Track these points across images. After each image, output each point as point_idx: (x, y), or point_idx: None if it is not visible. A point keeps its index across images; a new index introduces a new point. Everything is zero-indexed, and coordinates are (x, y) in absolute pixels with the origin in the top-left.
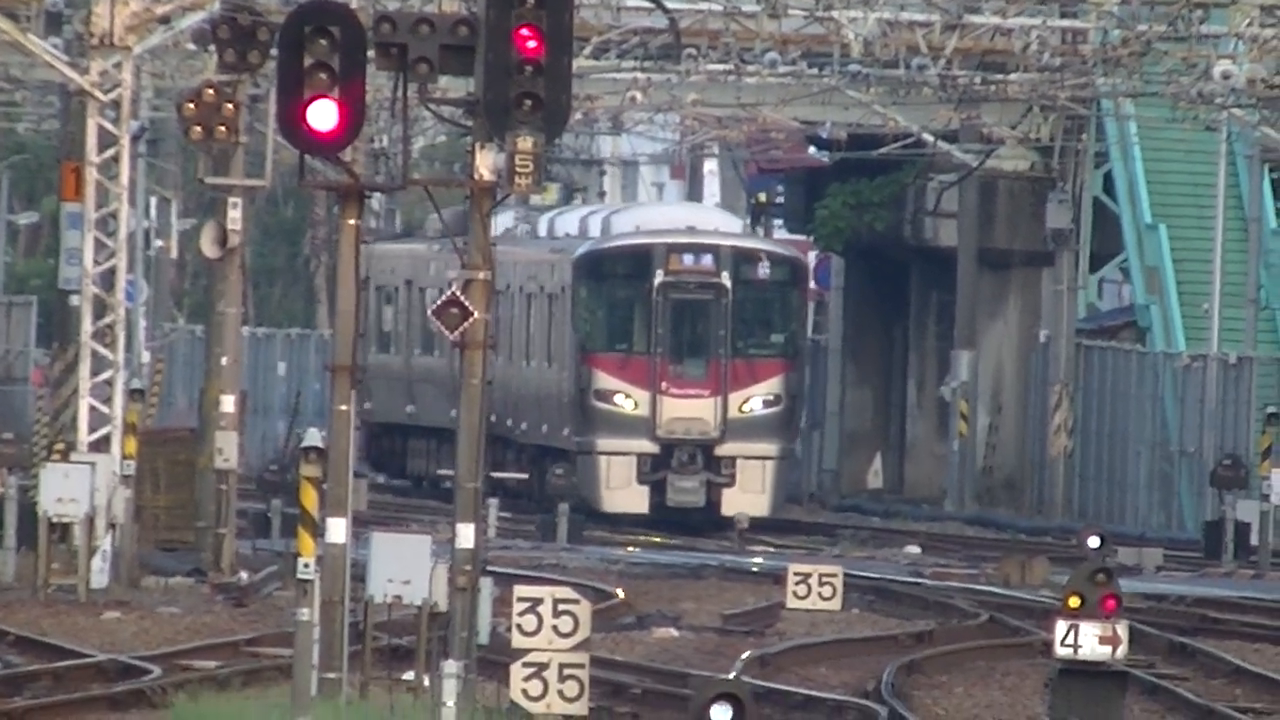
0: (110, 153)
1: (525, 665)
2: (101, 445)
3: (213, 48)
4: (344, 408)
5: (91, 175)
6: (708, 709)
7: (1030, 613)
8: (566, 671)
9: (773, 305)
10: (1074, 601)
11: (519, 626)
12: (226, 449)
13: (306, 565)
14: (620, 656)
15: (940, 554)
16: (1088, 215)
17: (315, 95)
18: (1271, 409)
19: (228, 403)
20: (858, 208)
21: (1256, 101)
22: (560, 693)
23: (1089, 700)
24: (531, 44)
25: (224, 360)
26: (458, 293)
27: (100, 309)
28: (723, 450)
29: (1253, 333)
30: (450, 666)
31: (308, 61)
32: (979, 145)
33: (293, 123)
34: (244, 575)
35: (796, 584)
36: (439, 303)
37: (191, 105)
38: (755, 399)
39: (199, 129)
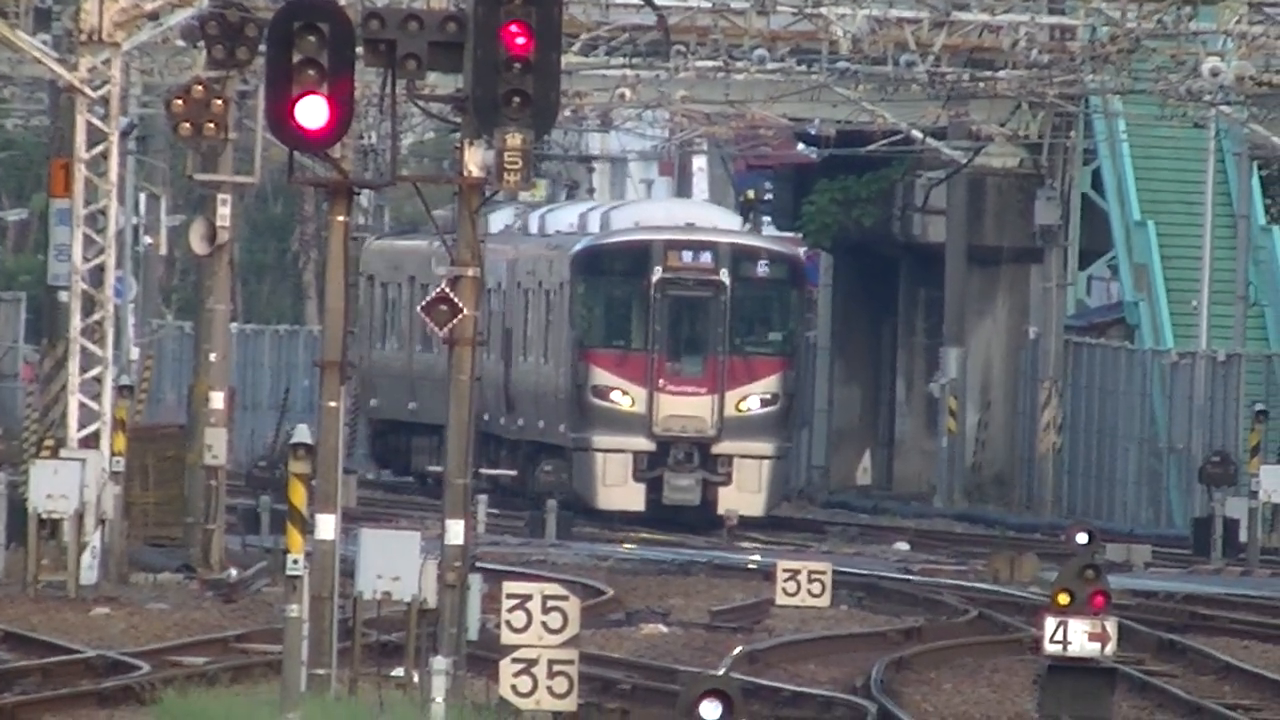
0: (99, 149)
1: (514, 661)
2: (91, 442)
3: (201, 44)
4: (333, 404)
5: (80, 172)
6: (697, 705)
7: (1019, 609)
8: (555, 668)
9: (771, 303)
10: (1063, 598)
11: (508, 623)
12: (215, 445)
13: (295, 561)
14: (609, 652)
15: (929, 550)
16: (1076, 212)
17: (304, 92)
18: (1260, 406)
19: (217, 399)
20: (846, 204)
21: (1245, 98)
22: (549, 689)
23: (1078, 697)
24: (520, 40)
25: (213, 357)
26: (446, 289)
27: (89, 305)
28: (719, 449)
29: (1241, 330)
30: (439, 663)
31: (296, 58)
32: (967, 142)
33: (281, 119)
34: (233, 571)
35: (785, 580)
36: (428, 299)
37: (180, 102)
38: (752, 397)
39: (188, 125)
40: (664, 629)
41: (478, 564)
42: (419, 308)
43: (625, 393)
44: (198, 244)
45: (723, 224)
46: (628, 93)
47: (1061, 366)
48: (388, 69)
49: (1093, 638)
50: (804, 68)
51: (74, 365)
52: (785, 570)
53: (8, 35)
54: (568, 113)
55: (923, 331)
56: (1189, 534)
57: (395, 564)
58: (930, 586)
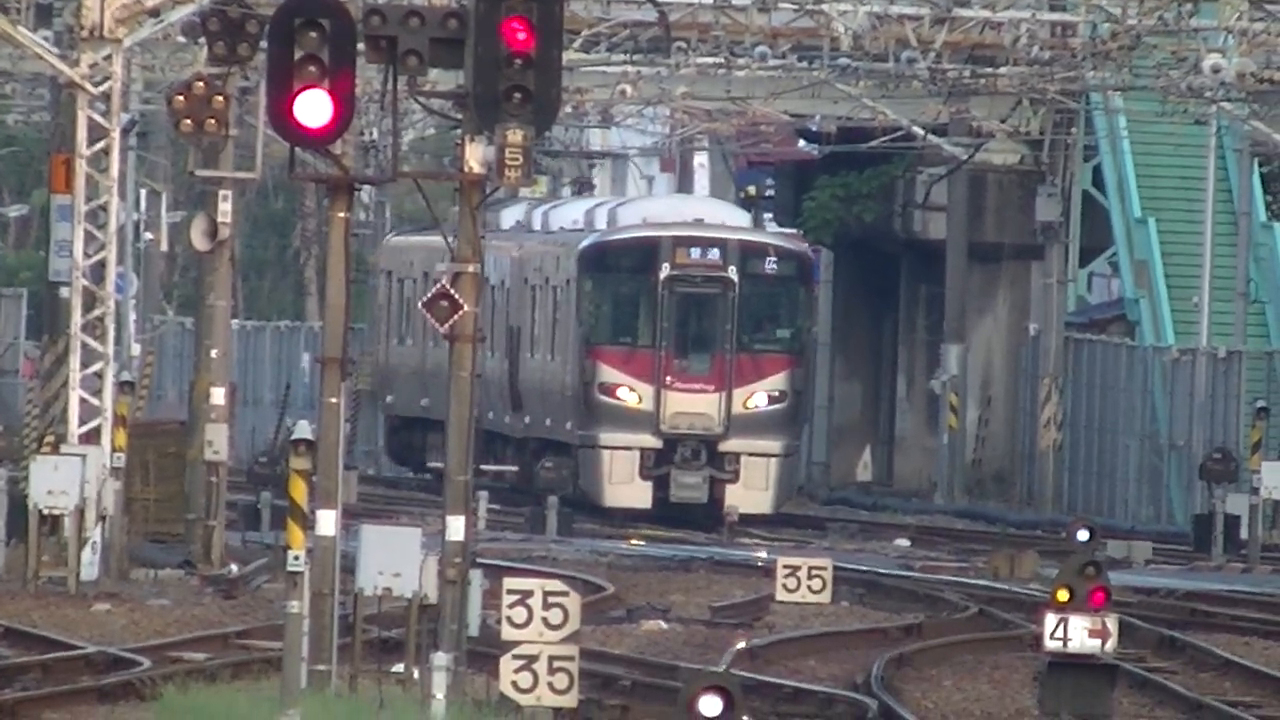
0: (100, 145)
1: (515, 657)
2: (91, 437)
3: (202, 40)
4: (334, 400)
5: (81, 168)
6: (697, 701)
7: (1020, 606)
8: (556, 664)
9: (779, 300)
10: (1063, 595)
11: (509, 619)
12: (216, 441)
13: (296, 557)
14: (610, 649)
15: (930, 547)
16: (1077, 209)
17: (305, 88)
18: (1261, 403)
19: (218, 395)
20: (847, 200)
21: (1246, 95)
22: (550, 685)
23: (1079, 693)
24: (521, 36)
25: (214, 353)
26: (447, 285)
27: (90, 301)
28: (726, 446)
29: (1242, 326)
30: (440, 659)
31: (297, 54)
32: (968, 139)
33: (282, 115)
34: (234, 567)
35: (786, 577)
36: (429, 295)
37: (181, 98)
38: (760, 395)
39: (189, 122)
40: (664, 625)
41: (478, 560)
42: (419, 303)
43: (632, 390)
44: (199, 240)
45: (731, 220)
46: (629, 89)
47: (1062, 363)
48: (389, 65)
49: (1093, 634)
50: (805, 64)
51: (75, 361)
52: (786, 567)
53: (9, 31)
54: (569, 109)
55: (923, 328)
56: (1190, 531)
57: (396, 560)
58: (931, 583)
